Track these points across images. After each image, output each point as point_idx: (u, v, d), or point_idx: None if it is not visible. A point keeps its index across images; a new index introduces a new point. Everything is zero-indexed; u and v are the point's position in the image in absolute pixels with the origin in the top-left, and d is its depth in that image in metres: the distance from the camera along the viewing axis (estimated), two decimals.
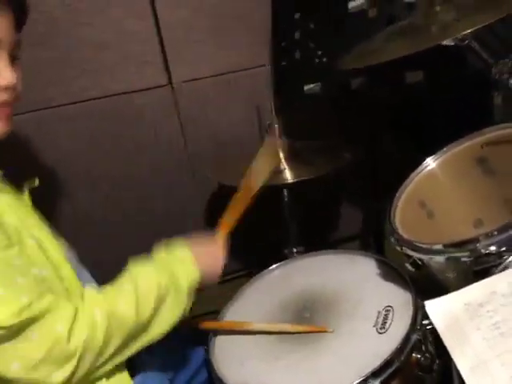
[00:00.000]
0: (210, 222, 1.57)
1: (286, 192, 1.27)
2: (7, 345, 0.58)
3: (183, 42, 1.41)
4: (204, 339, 0.97)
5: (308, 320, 0.89)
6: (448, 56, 0.96)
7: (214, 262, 0.84)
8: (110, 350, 0.65)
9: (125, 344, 0.68)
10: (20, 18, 0.72)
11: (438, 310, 0.55)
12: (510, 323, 0.48)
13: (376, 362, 0.74)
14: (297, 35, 1.42)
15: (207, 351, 0.92)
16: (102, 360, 0.65)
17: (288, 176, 1.17)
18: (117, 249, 1.27)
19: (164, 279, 0.73)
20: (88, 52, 1.33)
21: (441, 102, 1.22)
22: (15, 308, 0.57)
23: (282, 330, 0.88)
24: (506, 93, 0.99)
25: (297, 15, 1.42)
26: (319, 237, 1.60)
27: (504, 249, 0.64)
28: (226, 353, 0.89)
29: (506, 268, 0.58)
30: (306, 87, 1.41)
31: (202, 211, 1.59)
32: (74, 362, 0.61)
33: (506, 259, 0.62)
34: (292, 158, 1.22)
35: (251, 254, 1.51)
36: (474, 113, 1.03)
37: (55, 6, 1.27)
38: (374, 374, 0.73)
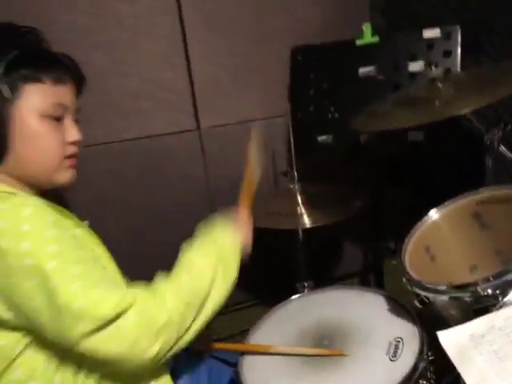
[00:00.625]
0: None
1: (300, 233, 1.41)
2: (106, 332, 0.70)
3: (211, 93, 1.59)
4: (230, 363, 1.09)
5: (327, 346, 1.02)
6: (446, 120, 1.13)
7: (248, 235, 0.96)
8: (187, 323, 0.77)
9: (195, 315, 0.79)
10: (79, 88, 0.89)
11: (449, 339, 0.69)
12: (505, 350, 0.63)
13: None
14: (312, 92, 1.61)
15: (236, 372, 1.03)
16: (181, 333, 0.76)
17: (305, 221, 1.32)
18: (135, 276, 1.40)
19: (212, 259, 0.85)
20: (128, 99, 1.49)
21: (439, 161, 1.41)
22: (114, 299, 0.70)
23: (304, 353, 1.00)
24: (496, 157, 1.17)
25: (312, 74, 1.61)
26: (326, 273, 1.74)
27: (498, 292, 0.79)
28: (254, 373, 1.00)
29: (501, 307, 0.73)
30: (319, 138, 1.59)
31: None
32: (163, 336, 0.73)
33: (501, 300, 0.77)
34: (307, 203, 1.38)
35: (263, 287, 1.64)
36: (469, 172, 1.21)
37: (102, 58, 1.44)
38: None
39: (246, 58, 1.59)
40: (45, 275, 0.68)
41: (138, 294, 0.74)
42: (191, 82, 1.55)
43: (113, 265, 0.91)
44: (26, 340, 0.74)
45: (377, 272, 1.74)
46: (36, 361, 0.74)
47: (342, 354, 0.97)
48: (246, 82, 1.61)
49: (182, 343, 0.78)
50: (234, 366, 1.06)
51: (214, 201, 1.68)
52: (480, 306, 0.79)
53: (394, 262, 1.66)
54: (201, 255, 0.86)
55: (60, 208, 0.85)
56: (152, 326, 0.72)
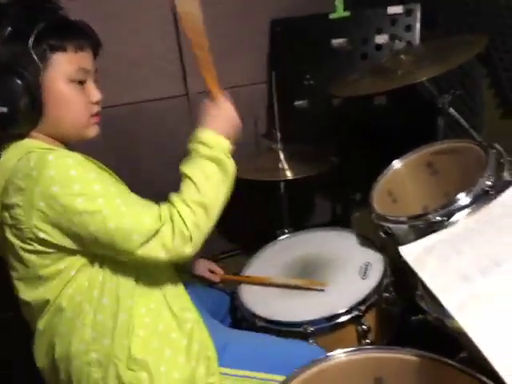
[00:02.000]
0: None
1: (282, 186, 1.62)
2: (154, 241, 0.86)
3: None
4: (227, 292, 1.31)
5: (311, 273, 1.25)
6: (406, 86, 1.34)
7: (229, 117, 1.02)
8: (204, 222, 0.91)
9: (209, 214, 0.92)
10: (96, 51, 0.98)
11: (408, 251, 0.92)
12: (448, 255, 0.86)
13: (361, 296, 1.11)
14: (289, 61, 1.79)
15: (236, 295, 1.24)
16: (205, 229, 0.91)
17: (288, 174, 1.52)
18: None
19: (207, 164, 0.94)
20: (123, 67, 1.61)
21: (400, 121, 1.64)
22: (155, 216, 0.86)
23: (293, 284, 1.21)
24: (447, 118, 1.41)
25: (289, 45, 1.78)
26: (303, 222, 1.97)
27: (444, 219, 1.03)
28: (252, 296, 1.23)
29: (445, 227, 0.97)
30: (296, 103, 1.78)
31: None
32: (192, 239, 0.89)
33: (446, 224, 1.01)
34: (288, 159, 1.58)
35: (248, 236, 1.84)
36: (424, 130, 1.44)
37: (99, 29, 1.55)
38: (360, 302, 1.10)
39: (230, 30, 1.73)
40: (96, 209, 0.84)
41: (166, 209, 0.89)
42: (180, 51, 1.69)
43: None
44: (79, 263, 0.90)
45: (345, 222, 1.98)
46: (85, 278, 0.90)
47: (322, 285, 1.18)
48: (229, 51, 1.75)
49: (207, 233, 0.93)
50: (233, 293, 1.28)
51: None
52: (430, 230, 1.03)
53: (357, 215, 1.91)
54: (195, 167, 0.95)
55: (89, 157, 0.96)
56: (182, 233, 0.88)
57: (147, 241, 0.86)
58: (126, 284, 0.93)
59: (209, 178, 0.93)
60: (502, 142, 1.33)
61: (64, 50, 0.89)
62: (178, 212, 0.89)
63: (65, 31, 0.91)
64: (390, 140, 1.53)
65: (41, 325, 0.94)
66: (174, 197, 0.93)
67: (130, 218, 0.86)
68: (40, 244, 0.86)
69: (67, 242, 0.87)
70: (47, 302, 0.91)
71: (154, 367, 0.92)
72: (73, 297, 0.90)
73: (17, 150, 0.89)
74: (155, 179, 1.79)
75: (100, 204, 0.85)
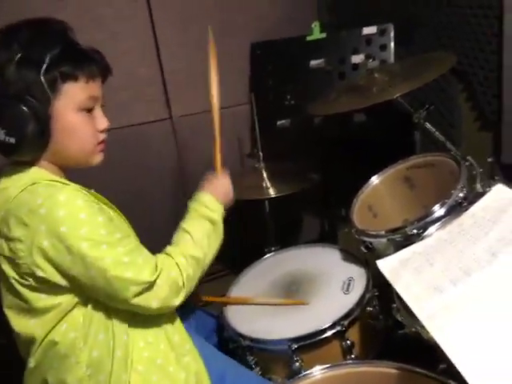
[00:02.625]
0: None
1: (267, 204, 1.64)
2: (149, 292, 0.88)
3: (181, 85, 1.77)
4: (213, 314, 1.31)
5: (295, 291, 1.26)
6: (383, 103, 1.38)
7: (226, 190, 1.14)
8: (196, 276, 0.97)
9: (201, 268, 0.99)
10: (105, 78, 0.95)
11: (385, 264, 0.94)
12: (421, 266, 0.88)
13: (344, 311, 1.12)
14: (270, 82, 1.84)
15: (221, 316, 1.25)
16: (194, 282, 0.97)
17: (271, 192, 1.55)
18: None
19: (206, 224, 1.03)
20: (107, 92, 1.64)
21: (378, 137, 1.67)
22: (153, 268, 0.88)
23: (273, 303, 1.23)
24: (423, 132, 1.44)
25: (270, 67, 1.84)
26: (290, 240, 1.99)
27: (420, 231, 1.05)
28: (237, 316, 1.23)
29: (421, 240, 0.99)
30: (278, 122, 1.82)
31: None
32: (183, 291, 0.93)
33: (422, 237, 1.03)
34: (271, 178, 1.60)
35: (235, 255, 1.85)
36: (402, 145, 1.48)
37: None
38: (343, 317, 1.10)
39: None
40: (99, 255, 0.84)
41: (164, 260, 0.93)
42: (162, 76, 1.73)
43: (138, 239, 1.03)
44: (75, 300, 0.88)
45: (333, 238, 2.00)
46: (80, 314, 0.89)
47: (303, 303, 1.19)
48: None
49: (193, 288, 0.98)
50: (218, 315, 1.28)
51: (187, 183, 1.87)
52: (408, 243, 1.05)
53: (346, 230, 1.93)
54: (195, 225, 1.02)
55: (95, 193, 0.96)
56: (176, 284, 0.92)
57: (142, 292, 0.88)
58: (121, 320, 0.93)
59: (205, 236, 1.01)
60: (480, 154, 1.37)
61: (76, 79, 0.87)
62: (177, 264, 0.93)
63: (77, 59, 0.88)
64: (371, 155, 1.56)
65: (32, 361, 0.92)
66: (171, 249, 0.97)
67: (131, 270, 0.87)
68: (36, 280, 0.85)
69: (65, 282, 0.86)
70: (38, 336, 0.89)
71: None
72: (67, 333, 0.89)
73: (19, 178, 0.88)
74: (144, 199, 1.81)
75: (104, 251, 0.85)
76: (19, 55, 0.83)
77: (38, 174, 0.89)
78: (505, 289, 0.71)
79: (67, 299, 0.88)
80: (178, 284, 0.92)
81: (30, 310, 0.88)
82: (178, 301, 0.93)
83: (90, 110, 0.92)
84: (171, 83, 1.74)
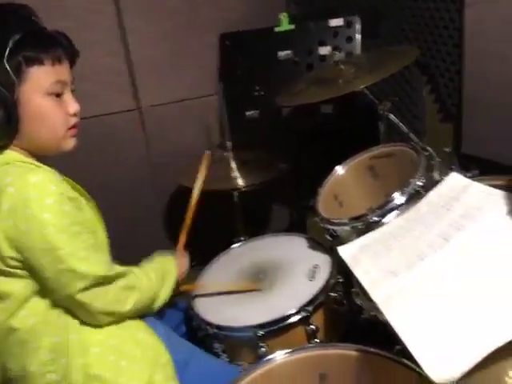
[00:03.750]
0: (167, 220, 1.91)
1: (236, 194, 1.65)
2: (96, 289, 0.89)
3: (149, 76, 1.75)
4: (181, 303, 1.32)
5: (263, 279, 1.28)
6: (349, 95, 1.41)
7: (183, 267, 1.22)
8: (145, 301, 1.01)
9: (149, 300, 1.03)
10: (73, 62, 0.94)
11: (345, 250, 0.97)
12: (380, 252, 0.91)
13: (309, 297, 1.15)
14: (239, 73, 1.84)
15: (189, 306, 1.26)
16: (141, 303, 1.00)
17: (239, 182, 1.56)
18: None
19: (167, 274, 1.10)
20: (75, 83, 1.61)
21: (346, 127, 1.70)
22: (106, 265, 0.91)
23: (228, 289, 1.26)
24: (386, 123, 1.48)
25: (239, 57, 1.84)
26: (259, 230, 2.01)
27: (381, 218, 1.08)
28: (205, 305, 1.24)
29: (380, 226, 1.02)
30: (247, 113, 1.83)
31: (160, 211, 1.93)
32: (129, 304, 0.95)
33: (381, 224, 1.06)
34: (240, 168, 1.61)
35: (205, 246, 1.86)
36: (367, 135, 1.51)
37: None
38: (307, 303, 1.13)
39: (180, 43, 1.77)
40: (55, 244, 0.84)
41: (127, 270, 0.97)
42: (130, 66, 1.71)
43: (103, 233, 1.04)
44: (35, 286, 0.88)
45: (302, 227, 2.03)
46: (40, 303, 0.89)
47: (256, 289, 1.23)
48: (180, 64, 1.79)
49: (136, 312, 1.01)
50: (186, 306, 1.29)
51: (156, 174, 1.86)
52: (370, 230, 1.08)
53: (314, 219, 1.96)
54: (156, 271, 1.08)
55: (71, 181, 0.98)
56: (128, 291, 0.95)
57: (89, 288, 0.89)
58: None
59: (166, 287, 1.09)
60: (443, 145, 1.42)
61: (41, 63, 0.86)
62: (137, 276, 0.99)
63: (41, 43, 0.87)
64: (339, 146, 1.59)
65: None
66: (141, 272, 1.02)
67: (84, 264, 0.87)
68: None
69: (18, 265, 0.85)
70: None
71: (113, 380, 0.93)
72: (27, 319, 0.89)
73: None
74: (112, 190, 1.79)
75: (62, 241, 0.85)
76: None
77: (12, 156, 0.88)
78: (455, 272, 0.74)
79: (26, 285, 0.87)
80: (126, 296, 0.95)
81: None
82: (119, 309, 0.95)
83: (59, 95, 0.90)
84: (139, 73, 1.72)
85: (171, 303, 1.32)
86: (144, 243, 1.68)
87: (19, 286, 0.87)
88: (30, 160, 0.90)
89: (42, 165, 0.91)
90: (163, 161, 1.84)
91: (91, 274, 0.88)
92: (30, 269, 0.86)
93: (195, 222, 1.32)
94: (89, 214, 0.97)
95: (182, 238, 1.30)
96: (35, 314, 0.89)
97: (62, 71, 0.90)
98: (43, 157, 0.95)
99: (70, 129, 0.94)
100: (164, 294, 1.09)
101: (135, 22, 1.69)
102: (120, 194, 1.80)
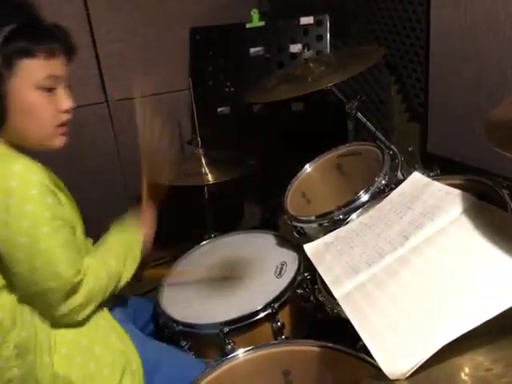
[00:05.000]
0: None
1: (206, 191, 1.65)
2: (66, 292, 0.87)
3: (118, 69, 1.72)
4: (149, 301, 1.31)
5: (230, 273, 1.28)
6: (319, 93, 1.42)
7: (151, 226, 1.19)
8: (108, 292, 0.98)
9: (111, 286, 1.00)
10: (70, 56, 0.92)
11: (310, 247, 0.98)
12: (343, 249, 0.93)
13: (275, 294, 1.15)
14: (210, 68, 1.83)
15: (156, 303, 1.25)
16: (104, 298, 0.98)
17: (209, 178, 1.55)
18: None
19: (128, 250, 1.07)
20: None
21: (316, 125, 1.72)
22: (76, 269, 0.88)
23: (209, 276, 1.26)
24: (354, 122, 1.50)
25: (210, 53, 1.83)
26: (232, 225, 2.01)
27: (346, 216, 1.10)
28: (171, 302, 1.24)
29: (345, 224, 1.04)
30: (218, 109, 1.82)
31: (129, 206, 1.89)
32: (94, 302, 0.94)
33: (346, 222, 1.08)
34: (210, 164, 1.61)
35: (175, 242, 1.85)
36: (335, 134, 1.53)
37: None
38: (273, 300, 1.14)
39: (149, 37, 1.75)
40: (34, 238, 0.82)
41: (88, 267, 0.93)
42: (97, 58, 1.67)
43: (81, 228, 1.03)
44: (2, 281, 0.86)
45: (274, 225, 2.04)
46: (7, 297, 0.87)
47: (238, 277, 1.23)
48: (149, 59, 1.77)
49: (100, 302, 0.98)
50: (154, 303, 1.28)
51: (125, 168, 1.83)
52: (335, 228, 1.09)
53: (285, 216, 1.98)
54: (117, 246, 1.05)
55: (52, 174, 0.95)
56: (90, 295, 0.93)
57: (59, 289, 0.87)
58: None
59: (127, 260, 1.04)
60: (410, 144, 1.45)
61: (33, 56, 0.83)
62: (98, 275, 0.94)
63: (35, 35, 0.84)
64: (309, 143, 1.61)
65: None
66: (96, 259, 0.97)
67: (59, 264, 0.85)
68: None
69: None
70: None
71: (79, 382, 0.91)
72: None
73: None
74: (76, 185, 1.75)
75: (42, 234, 0.83)
76: None
77: None
78: (412, 269, 0.76)
79: None
80: (92, 297, 0.93)
81: None
82: (84, 314, 0.93)
83: (51, 90, 0.88)
84: (106, 66, 1.69)
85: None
86: None
87: None
88: (12, 151, 0.87)
89: (23, 156, 0.88)
90: (132, 155, 1.81)
91: (64, 276, 0.86)
92: (1, 263, 0.84)
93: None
94: (68, 208, 0.94)
95: (144, 188, 1.22)
96: (3, 309, 0.87)
97: (56, 66, 0.87)
98: (25, 150, 0.91)
99: (59, 126, 0.91)
100: (128, 274, 1.05)
101: (102, 14, 1.65)
102: (89, 188, 1.76)
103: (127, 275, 1.05)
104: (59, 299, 0.88)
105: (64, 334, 0.93)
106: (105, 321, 1.01)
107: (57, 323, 0.92)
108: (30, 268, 0.83)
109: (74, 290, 0.89)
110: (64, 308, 0.89)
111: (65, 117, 0.92)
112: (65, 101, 0.90)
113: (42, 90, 0.86)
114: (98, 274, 0.96)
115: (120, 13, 1.66)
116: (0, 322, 0.86)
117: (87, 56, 1.65)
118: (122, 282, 1.04)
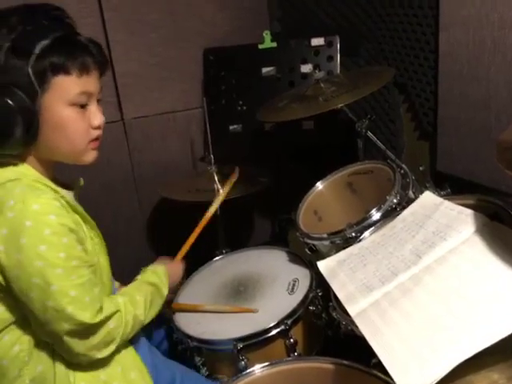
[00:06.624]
0: (149, 231, 1.91)
1: (218, 207, 1.67)
2: (81, 335, 0.85)
3: (133, 88, 1.77)
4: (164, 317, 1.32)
5: (243, 292, 1.29)
6: (329, 112, 1.45)
7: (179, 274, 1.24)
8: (130, 335, 0.97)
9: (136, 327, 0.99)
10: (103, 71, 0.91)
11: (324, 264, 1.00)
12: (356, 266, 0.95)
13: (288, 310, 1.17)
14: (223, 87, 1.87)
15: (171, 319, 1.27)
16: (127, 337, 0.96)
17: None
18: None
19: (154, 292, 1.06)
20: None
21: (326, 144, 1.75)
22: (95, 311, 0.85)
23: (223, 311, 1.24)
24: (364, 140, 1.52)
25: (222, 72, 1.87)
26: (241, 243, 2.03)
27: (358, 234, 1.12)
28: (185, 318, 1.25)
29: (358, 242, 1.06)
30: (230, 127, 1.86)
31: (143, 222, 1.93)
32: (113, 346, 0.91)
33: (359, 240, 1.10)
34: (223, 181, 1.63)
35: (187, 258, 1.87)
36: (345, 152, 1.55)
37: None
38: (286, 317, 1.15)
39: (164, 57, 1.80)
40: (47, 279, 0.79)
41: (111, 309, 0.90)
42: (114, 78, 1.72)
43: (107, 272, 1.00)
44: (19, 312, 0.84)
45: (284, 241, 2.05)
46: (23, 328, 0.86)
47: (251, 311, 1.20)
48: (165, 78, 1.82)
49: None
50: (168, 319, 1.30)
51: (139, 185, 1.87)
52: (347, 245, 1.11)
53: (297, 234, 1.99)
54: (146, 290, 1.05)
55: (73, 202, 0.92)
56: (111, 338, 0.90)
57: (75, 332, 0.84)
58: None
59: (153, 304, 1.04)
60: (419, 162, 1.47)
61: (67, 72, 0.82)
62: (123, 318, 0.92)
63: (69, 51, 0.83)
64: (320, 161, 1.63)
65: None
66: (122, 301, 0.95)
67: (72, 305, 0.82)
68: None
69: (3, 291, 0.83)
70: None
71: None
72: (10, 346, 0.86)
73: (1, 172, 0.83)
74: (91, 204, 1.79)
75: (55, 276, 0.80)
76: (8, 43, 0.78)
77: (23, 170, 0.85)
78: (426, 287, 0.78)
79: (11, 309, 0.85)
80: (113, 338, 0.90)
81: None
82: (103, 354, 0.90)
83: (83, 106, 0.87)
84: (123, 85, 1.74)
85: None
86: (126, 255, 1.68)
87: (5, 308, 0.84)
88: (42, 177, 0.87)
89: (50, 184, 0.87)
90: (146, 173, 1.86)
91: (77, 319, 0.83)
92: (16, 298, 0.83)
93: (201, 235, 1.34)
94: (90, 245, 0.92)
95: (185, 248, 1.33)
96: (20, 341, 0.86)
97: (89, 82, 0.86)
98: (55, 166, 0.92)
99: (91, 141, 0.90)
100: (151, 316, 1.04)
101: (119, 35, 1.71)
102: (102, 205, 1.80)
103: (151, 317, 1.04)
104: (74, 339, 0.85)
105: (83, 368, 0.91)
106: (127, 357, 0.99)
107: (75, 361, 0.90)
108: (43, 308, 0.82)
109: (91, 330, 0.87)
110: (81, 347, 0.86)
111: (96, 132, 0.91)
112: (97, 116, 0.89)
113: (74, 107, 0.85)
114: (124, 316, 0.94)
115: (136, 34, 1.72)
116: (17, 355, 0.85)
117: (105, 76, 1.69)
118: (145, 323, 1.03)
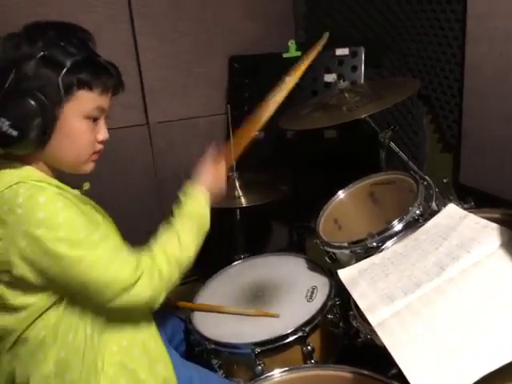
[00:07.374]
0: None
1: (238, 213, 1.69)
2: (129, 292, 0.89)
3: (159, 93, 1.81)
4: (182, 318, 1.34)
5: (261, 297, 1.31)
6: (352, 122, 1.46)
7: (220, 184, 1.20)
8: (175, 277, 0.99)
9: (181, 271, 1.00)
10: (117, 93, 0.97)
11: (345, 273, 1.01)
12: (378, 276, 0.95)
13: (306, 317, 1.17)
14: (246, 94, 1.90)
15: (189, 321, 1.28)
16: (173, 284, 0.98)
17: (242, 201, 1.60)
18: None
19: (194, 224, 1.06)
20: None
21: (347, 153, 1.76)
22: (132, 268, 0.90)
23: (246, 313, 1.25)
24: (386, 151, 1.53)
25: (247, 80, 1.90)
26: (259, 249, 2.04)
27: (380, 244, 1.12)
28: (203, 320, 1.27)
29: (379, 252, 1.06)
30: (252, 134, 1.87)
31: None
32: (166, 290, 0.95)
33: (380, 250, 1.10)
34: (244, 188, 1.65)
35: (206, 262, 1.89)
36: (367, 162, 1.55)
37: None
38: (305, 324, 1.16)
39: (190, 64, 1.83)
40: (77, 257, 0.84)
41: (147, 260, 0.94)
42: (141, 83, 1.76)
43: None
44: (50, 299, 0.89)
45: (301, 248, 2.06)
46: (53, 314, 0.90)
47: (274, 316, 1.21)
48: (190, 84, 1.85)
49: (171, 289, 0.99)
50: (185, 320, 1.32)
51: (161, 188, 1.90)
52: (368, 255, 1.12)
53: (315, 241, 2.00)
54: (184, 225, 1.04)
55: (80, 196, 0.97)
56: (157, 285, 0.93)
57: (122, 293, 0.89)
58: (96, 323, 0.94)
59: (193, 238, 1.04)
60: (441, 174, 1.46)
61: (90, 89, 0.89)
62: (159, 268, 0.94)
63: (96, 70, 0.90)
64: (341, 170, 1.64)
65: (4, 352, 0.92)
66: (157, 248, 0.98)
67: (109, 272, 0.88)
68: (12, 278, 0.85)
69: (41, 282, 0.86)
70: (12, 332, 0.89)
71: None
72: (39, 331, 0.90)
73: (7, 175, 0.88)
74: (113, 205, 1.82)
75: (82, 252, 0.85)
76: (42, 53, 0.84)
77: (27, 173, 0.89)
78: (449, 299, 0.78)
79: (42, 299, 0.88)
80: (156, 287, 0.93)
81: (6, 307, 0.88)
82: (157, 301, 0.95)
83: (95, 120, 0.94)
84: (149, 90, 1.78)
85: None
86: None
87: (36, 298, 0.88)
88: (45, 177, 0.91)
89: (53, 181, 0.91)
90: (169, 176, 1.88)
91: (118, 280, 0.88)
92: (56, 285, 0.87)
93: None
94: (104, 224, 0.97)
95: (231, 152, 1.28)
96: (46, 327, 0.90)
97: (105, 99, 0.93)
98: (57, 172, 0.96)
99: (93, 153, 0.96)
100: (195, 247, 1.04)
101: (148, 41, 1.75)
102: (125, 208, 1.83)
103: (195, 247, 1.05)
104: (120, 294, 0.89)
105: (113, 355, 0.94)
106: (156, 349, 1.03)
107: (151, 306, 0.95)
108: (83, 283, 0.86)
109: (136, 288, 0.91)
110: (147, 291, 0.92)
111: (100, 146, 0.97)
112: (103, 132, 0.96)
113: (88, 120, 0.92)
114: (160, 265, 0.96)
115: (165, 41, 1.76)
116: (43, 339, 0.89)
117: (133, 81, 1.74)
118: (192, 255, 1.04)
